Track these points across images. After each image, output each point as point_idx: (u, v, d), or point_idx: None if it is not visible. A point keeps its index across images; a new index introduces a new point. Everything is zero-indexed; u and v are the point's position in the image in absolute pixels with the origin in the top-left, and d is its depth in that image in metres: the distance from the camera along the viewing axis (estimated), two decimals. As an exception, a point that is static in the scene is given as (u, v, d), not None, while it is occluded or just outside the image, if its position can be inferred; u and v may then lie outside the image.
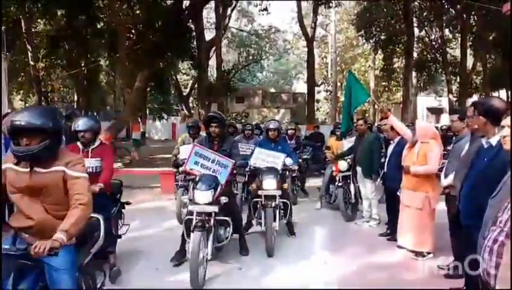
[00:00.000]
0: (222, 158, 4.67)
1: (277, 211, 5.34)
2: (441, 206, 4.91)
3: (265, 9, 23.12)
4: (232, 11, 25.51)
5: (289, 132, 9.37)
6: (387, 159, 5.94)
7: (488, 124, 3.21)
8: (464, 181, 3.33)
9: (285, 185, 5.73)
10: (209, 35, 23.57)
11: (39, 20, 21.35)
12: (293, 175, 7.15)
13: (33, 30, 20.95)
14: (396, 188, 5.43)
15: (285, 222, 5.79)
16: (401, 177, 5.27)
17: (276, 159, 5.87)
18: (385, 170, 5.97)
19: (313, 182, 10.09)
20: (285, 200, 5.59)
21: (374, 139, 6.70)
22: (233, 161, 4.70)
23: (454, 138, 5.28)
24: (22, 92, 26.75)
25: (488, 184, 3.01)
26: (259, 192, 5.44)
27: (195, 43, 20.12)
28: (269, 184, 5.38)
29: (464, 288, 3.66)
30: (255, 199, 5.61)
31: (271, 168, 5.67)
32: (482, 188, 3.06)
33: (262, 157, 5.94)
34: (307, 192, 9.04)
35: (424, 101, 32.78)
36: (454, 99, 21.05)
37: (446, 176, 4.45)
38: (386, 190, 6.12)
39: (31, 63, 20.39)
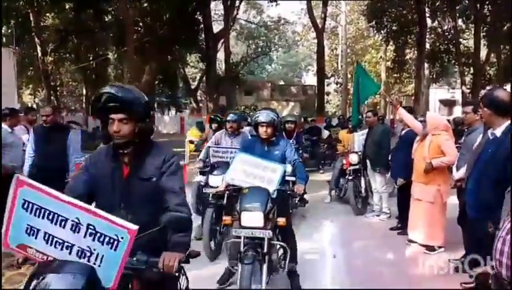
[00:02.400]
0: (113, 222, 1.74)
1: (264, 265, 3.25)
2: (453, 199, 4.78)
3: (275, 0, 22.88)
4: (240, 2, 25.34)
5: (287, 126, 7.08)
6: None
7: (492, 115, 3.16)
8: (470, 174, 3.25)
9: (281, 221, 3.47)
10: (217, 27, 23.47)
11: (47, 15, 21.44)
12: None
13: (42, 24, 21.05)
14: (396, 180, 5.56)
15: (284, 271, 3.70)
16: (405, 168, 5.29)
17: (271, 172, 3.60)
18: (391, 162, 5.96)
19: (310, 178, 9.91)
20: (283, 244, 3.56)
21: (382, 132, 6.55)
22: (133, 228, 1.72)
23: (466, 131, 5.14)
24: (31, 86, 26.97)
25: (492, 176, 2.95)
26: (234, 231, 3.40)
27: (203, 35, 20.06)
28: (251, 218, 3.27)
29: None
30: (232, 240, 3.49)
31: (257, 189, 3.49)
32: (487, 180, 3.04)
33: (248, 170, 3.66)
34: (306, 200, 6.64)
35: (437, 93, 32.34)
36: (468, 91, 20.66)
37: (458, 168, 4.35)
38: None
39: (40, 57, 20.51)
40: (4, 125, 5.37)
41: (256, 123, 3.98)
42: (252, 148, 3.96)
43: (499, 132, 3.14)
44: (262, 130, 3.90)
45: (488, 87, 21.00)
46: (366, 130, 6.93)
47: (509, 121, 3.13)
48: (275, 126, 3.94)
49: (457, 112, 25.68)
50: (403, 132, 5.89)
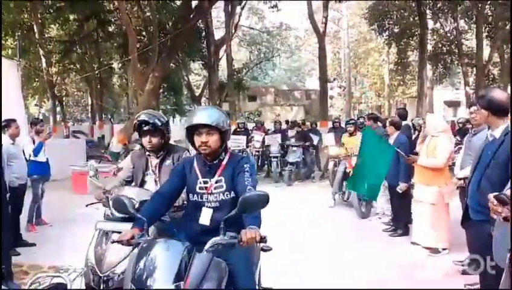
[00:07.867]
0: None
1: None
2: (457, 201, 4.78)
3: (276, 6, 23.03)
4: (242, 9, 25.49)
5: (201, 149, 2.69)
6: None
7: (490, 116, 3.10)
8: (471, 176, 3.23)
9: None
10: (220, 34, 23.61)
11: (52, 26, 21.69)
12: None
13: (46, 36, 21.29)
14: (395, 185, 5.59)
15: None
16: (400, 172, 5.48)
17: None
18: None
19: (297, 191, 9.54)
20: None
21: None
22: None
23: (471, 131, 5.14)
24: (37, 97, 27.22)
25: (493, 178, 2.92)
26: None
27: (205, 43, 20.21)
28: None
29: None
30: None
31: None
32: (488, 182, 2.99)
33: None
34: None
35: (441, 94, 32.15)
36: (472, 91, 20.56)
37: (462, 169, 4.33)
38: (389, 186, 6.02)
39: (45, 68, 20.73)
40: (5, 137, 5.22)
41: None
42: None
43: (497, 133, 3.08)
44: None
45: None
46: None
47: (508, 122, 3.11)
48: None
49: (462, 112, 25.54)
50: (394, 135, 5.85)
